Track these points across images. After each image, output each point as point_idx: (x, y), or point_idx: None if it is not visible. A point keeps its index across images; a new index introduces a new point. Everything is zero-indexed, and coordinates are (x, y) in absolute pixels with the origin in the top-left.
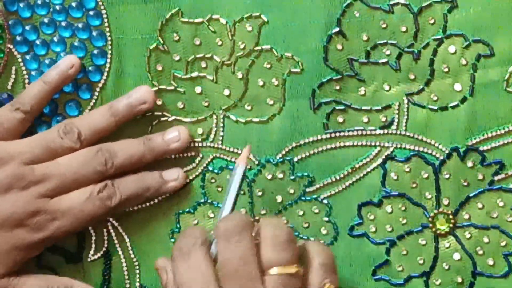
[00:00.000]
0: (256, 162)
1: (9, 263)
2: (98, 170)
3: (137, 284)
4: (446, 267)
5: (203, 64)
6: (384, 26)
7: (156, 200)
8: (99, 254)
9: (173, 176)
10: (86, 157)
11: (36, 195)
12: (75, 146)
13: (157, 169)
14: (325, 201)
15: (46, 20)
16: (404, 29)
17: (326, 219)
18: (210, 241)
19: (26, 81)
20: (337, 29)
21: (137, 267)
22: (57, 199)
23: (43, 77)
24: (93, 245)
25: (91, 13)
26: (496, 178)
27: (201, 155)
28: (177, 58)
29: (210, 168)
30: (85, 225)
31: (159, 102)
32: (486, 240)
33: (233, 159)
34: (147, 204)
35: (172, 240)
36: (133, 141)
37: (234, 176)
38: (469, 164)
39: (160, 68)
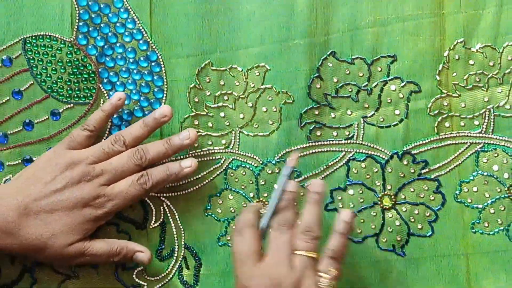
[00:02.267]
0: (261, 162)
1: (82, 231)
2: (137, 164)
3: (182, 243)
4: (390, 230)
5: (226, 98)
6: (348, 72)
7: (195, 187)
8: (157, 223)
9: (187, 164)
10: (129, 156)
11: (97, 185)
12: (121, 149)
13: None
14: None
15: (123, 69)
16: (361, 74)
17: None
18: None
19: None
20: (317, 74)
21: (182, 233)
22: (111, 186)
23: (102, 107)
24: (154, 217)
25: (153, 63)
26: (422, 171)
27: (224, 158)
28: (208, 93)
29: (230, 166)
30: (131, 203)
31: (196, 122)
32: (416, 212)
33: (245, 160)
34: (191, 189)
35: (206, 215)
36: (159, 141)
37: (281, 175)
38: (405, 162)
39: (197, 100)
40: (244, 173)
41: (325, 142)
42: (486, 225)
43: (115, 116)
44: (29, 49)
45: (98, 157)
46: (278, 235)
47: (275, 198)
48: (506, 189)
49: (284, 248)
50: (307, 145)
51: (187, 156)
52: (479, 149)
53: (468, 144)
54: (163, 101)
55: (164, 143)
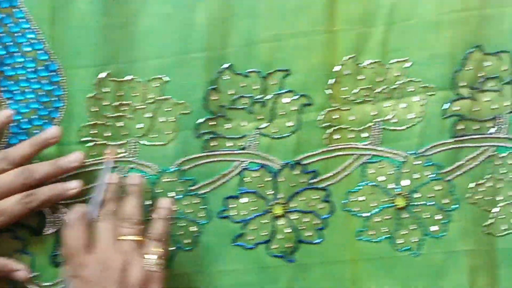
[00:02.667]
0: (158, 170)
1: None
2: (23, 183)
3: None
4: (280, 237)
5: (124, 108)
6: (243, 85)
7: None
8: (52, 230)
9: (73, 186)
10: (15, 174)
11: None
12: (8, 168)
13: None
14: (203, 195)
15: (23, 77)
16: (256, 87)
17: (203, 207)
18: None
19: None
20: (214, 86)
21: None
22: None
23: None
24: (49, 224)
25: (53, 73)
26: (312, 181)
27: (122, 166)
28: (106, 103)
29: (128, 175)
30: (15, 220)
31: (93, 131)
32: (306, 220)
33: (143, 169)
34: (88, 196)
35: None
36: (47, 162)
37: (103, 169)
38: (296, 172)
39: (95, 109)
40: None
41: (220, 152)
42: (372, 233)
43: (13, 124)
44: None
45: None
46: (103, 224)
47: (100, 191)
48: (391, 198)
49: (109, 235)
50: (203, 154)
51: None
52: (367, 160)
53: (356, 155)
54: (62, 110)
55: (52, 164)
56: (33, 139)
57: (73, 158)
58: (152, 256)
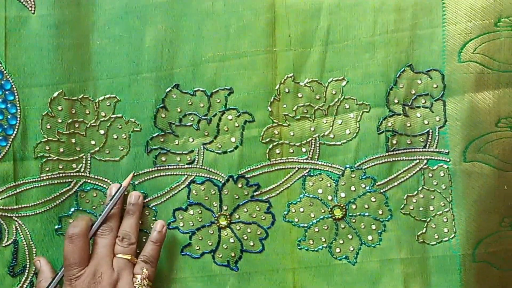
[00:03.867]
0: (111, 184)
1: None
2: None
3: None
4: (225, 247)
5: (77, 125)
6: (190, 103)
7: (46, 208)
8: (10, 242)
9: (159, 226)
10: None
11: None
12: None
13: None
14: (153, 208)
15: None
16: (202, 105)
17: (154, 218)
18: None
19: None
20: (162, 105)
21: (34, 250)
22: None
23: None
24: (6, 236)
25: (7, 92)
26: (255, 193)
27: (75, 180)
28: (60, 121)
29: (82, 188)
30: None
31: (47, 148)
32: (249, 230)
33: (97, 183)
34: (43, 209)
35: (57, 234)
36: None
37: (114, 194)
38: (239, 185)
39: (49, 127)
40: (95, 195)
41: (169, 167)
42: (311, 242)
43: None
44: None
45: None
46: (102, 240)
47: (106, 210)
48: (329, 210)
49: (105, 251)
50: (153, 169)
51: (40, 177)
52: (306, 174)
53: (296, 169)
54: (17, 127)
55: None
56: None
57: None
58: (139, 275)
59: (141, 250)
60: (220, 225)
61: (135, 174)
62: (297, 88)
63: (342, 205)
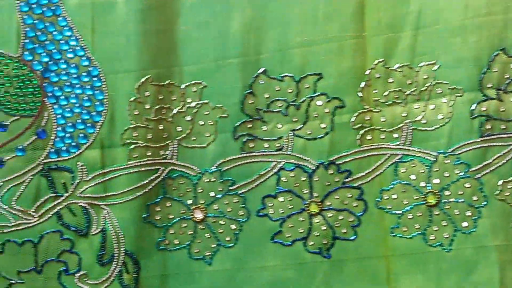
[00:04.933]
0: (198, 171)
1: None
2: None
3: (122, 249)
4: (317, 234)
5: (164, 111)
6: (278, 89)
7: (134, 196)
8: (98, 230)
9: None
10: None
11: None
12: None
13: None
14: (242, 195)
15: (67, 83)
16: (290, 90)
17: (242, 205)
18: None
19: (53, 120)
20: (250, 91)
21: (122, 239)
22: None
23: None
24: (95, 225)
25: (95, 78)
26: (346, 180)
27: (162, 168)
28: (148, 107)
29: (169, 175)
30: None
31: (135, 134)
32: (341, 217)
33: (184, 170)
34: (131, 197)
35: (145, 222)
36: None
37: None
38: (330, 172)
39: (137, 113)
40: (182, 182)
41: (257, 153)
42: (405, 229)
43: (59, 128)
44: None
45: None
46: None
47: None
48: (422, 196)
49: None
50: (241, 155)
51: (127, 165)
52: (398, 160)
53: (388, 155)
54: (104, 114)
55: None
56: None
57: None
58: None
59: (233, 241)
60: (311, 212)
61: (223, 160)
62: (388, 73)
63: (435, 191)
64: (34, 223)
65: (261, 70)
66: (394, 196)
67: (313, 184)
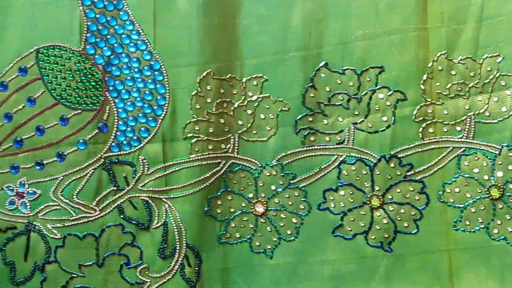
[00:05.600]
0: (259, 165)
1: None
2: None
3: (184, 242)
4: (378, 228)
5: (225, 105)
6: (339, 82)
7: (195, 189)
8: (160, 224)
9: None
10: None
11: None
12: None
13: None
14: (303, 188)
15: (128, 77)
16: (351, 84)
17: (303, 199)
18: None
19: (115, 114)
20: (311, 84)
21: (184, 232)
22: None
23: None
24: (156, 218)
25: (156, 72)
26: (408, 173)
27: (223, 161)
28: (209, 100)
29: (230, 169)
30: None
31: (196, 128)
32: (402, 211)
33: (245, 164)
34: (192, 191)
35: (206, 215)
36: None
37: None
38: (392, 165)
39: (198, 106)
40: (243, 176)
41: (318, 147)
42: (468, 223)
43: (120, 122)
44: (41, 59)
45: None
46: None
47: None
48: (486, 190)
49: None
50: (302, 149)
51: (189, 158)
52: (461, 153)
53: (451, 148)
54: (166, 107)
55: None
56: None
57: None
58: None
59: (302, 232)
60: (373, 206)
61: (284, 154)
62: (450, 66)
63: (499, 184)
64: (95, 217)
65: (322, 63)
66: (457, 190)
67: (374, 178)
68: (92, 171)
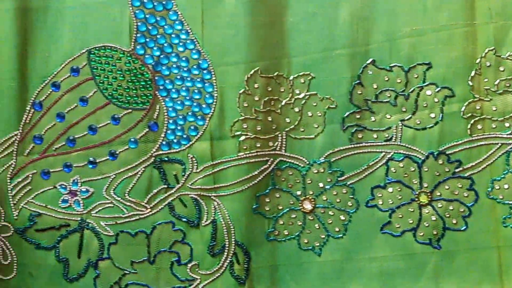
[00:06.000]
0: (307, 162)
1: None
2: None
3: (233, 240)
4: (427, 225)
5: (272, 103)
6: (386, 79)
7: (244, 187)
8: (209, 221)
9: None
10: None
11: None
12: None
13: None
14: (351, 186)
15: (178, 76)
16: (399, 81)
17: (351, 196)
18: None
19: (165, 113)
20: (358, 81)
21: (233, 230)
22: None
23: None
24: (206, 216)
25: (204, 71)
26: (456, 170)
27: (271, 159)
28: (257, 98)
29: (278, 167)
30: None
31: (244, 126)
32: (451, 208)
33: (292, 161)
34: (240, 188)
35: (255, 212)
36: None
37: None
38: (440, 162)
39: (246, 105)
40: (291, 173)
41: (366, 144)
42: None
43: (170, 121)
44: (93, 59)
45: None
46: None
47: None
48: None
49: None
50: (350, 146)
51: (237, 156)
52: (510, 149)
53: (499, 144)
54: (214, 106)
55: None
56: None
57: None
58: None
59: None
60: (421, 203)
61: (332, 151)
62: (498, 62)
63: None
64: (146, 214)
65: (370, 60)
66: (506, 186)
67: (422, 175)
68: (143, 169)
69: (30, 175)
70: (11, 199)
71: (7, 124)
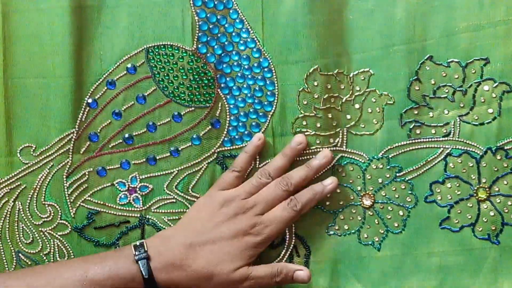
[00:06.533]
0: (367, 158)
1: (246, 258)
2: (284, 190)
3: (293, 232)
4: (485, 220)
5: (332, 100)
6: (444, 75)
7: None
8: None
9: (329, 182)
10: (276, 185)
11: (252, 215)
12: (268, 181)
13: None
14: (409, 181)
15: (239, 74)
16: (456, 76)
17: (410, 192)
18: None
19: (227, 110)
20: (415, 77)
21: (293, 223)
22: (266, 214)
23: (245, 149)
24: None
25: (265, 69)
26: None
27: (333, 155)
28: (316, 96)
29: (339, 163)
30: (286, 226)
31: (304, 123)
32: (509, 203)
33: (353, 157)
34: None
35: (316, 206)
36: (300, 167)
37: None
38: (498, 157)
39: (305, 102)
40: (352, 169)
41: (424, 139)
42: None
43: (232, 118)
44: (151, 58)
45: (249, 191)
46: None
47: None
48: None
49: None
50: (408, 142)
51: (298, 159)
52: None
53: None
54: (275, 103)
55: (304, 168)
56: (283, 151)
57: (322, 156)
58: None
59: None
60: (479, 198)
61: (391, 147)
62: None
63: None
64: None
65: (427, 56)
66: None
67: (481, 170)
68: (206, 165)
69: (87, 173)
70: (67, 198)
71: (63, 122)
